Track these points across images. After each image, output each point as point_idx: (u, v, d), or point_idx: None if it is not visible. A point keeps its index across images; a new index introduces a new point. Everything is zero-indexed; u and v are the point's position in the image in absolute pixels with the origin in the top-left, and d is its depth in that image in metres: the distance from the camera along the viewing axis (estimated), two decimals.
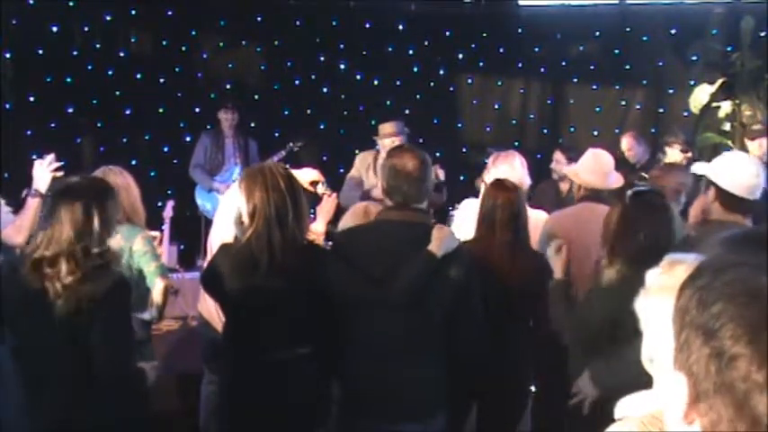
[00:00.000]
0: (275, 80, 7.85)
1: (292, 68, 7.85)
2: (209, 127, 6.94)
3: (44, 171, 3.51)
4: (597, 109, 8.08)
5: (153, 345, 3.73)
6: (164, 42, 7.58)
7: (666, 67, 7.85)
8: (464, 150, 8.10)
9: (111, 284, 2.51)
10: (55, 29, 7.09)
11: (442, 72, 8.12)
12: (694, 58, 7.50)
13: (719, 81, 6.89)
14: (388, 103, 7.85)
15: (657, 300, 1.25)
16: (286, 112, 7.83)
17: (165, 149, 7.53)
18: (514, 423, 3.49)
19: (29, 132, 6.87)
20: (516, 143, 7.65)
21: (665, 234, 2.78)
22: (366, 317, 2.75)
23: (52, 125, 7.00)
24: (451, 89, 8.25)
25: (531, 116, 8.23)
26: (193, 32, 7.69)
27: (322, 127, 7.85)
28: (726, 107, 6.87)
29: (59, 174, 3.51)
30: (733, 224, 2.61)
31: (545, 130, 8.23)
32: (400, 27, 7.99)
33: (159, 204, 5.69)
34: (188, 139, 7.18)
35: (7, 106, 6.68)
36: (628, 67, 7.89)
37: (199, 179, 6.72)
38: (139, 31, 7.51)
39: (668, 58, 7.81)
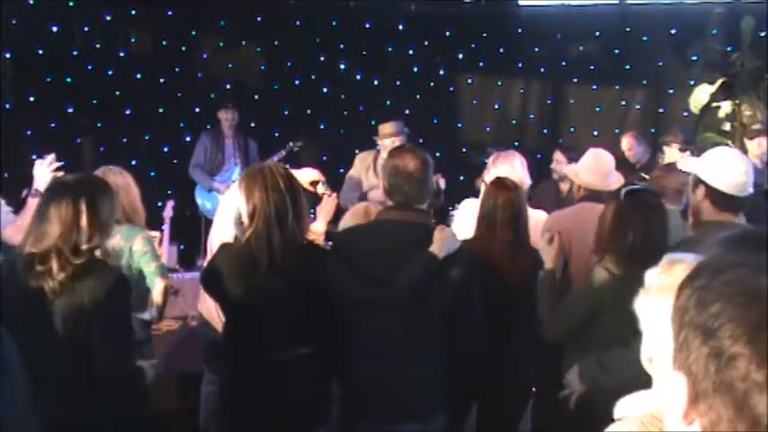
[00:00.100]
0: (275, 80, 7.86)
1: (292, 68, 7.85)
2: (209, 127, 6.94)
3: (45, 171, 3.51)
4: (597, 109, 8.08)
5: (153, 345, 3.73)
6: (164, 42, 7.58)
7: (666, 67, 7.86)
8: (464, 150, 8.10)
9: (112, 283, 2.51)
10: (55, 29, 7.09)
11: (441, 72, 8.12)
12: (694, 58, 7.50)
13: (719, 81, 6.89)
14: (388, 103, 7.85)
15: (656, 299, 1.25)
16: (286, 112, 7.83)
17: (165, 149, 7.53)
18: (514, 423, 3.49)
19: (29, 132, 6.87)
20: (516, 143, 7.65)
21: (657, 233, 2.79)
22: (366, 317, 2.75)
23: (52, 125, 7.00)
24: (451, 89, 8.25)
25: (531, 116, 8.23)
26: (193, 32, 7.70)
27: (322, 127, 7.85)
28: (726, 107, 6.86)
29: (60, 174, 3.51)
30: (726, 224, 2.59)
31: (545, 130, 8.23)
32: (400, 27, 7.99)
33: (159, 204, 5.69)
34: (188, 139, 7.18)
35: (7, 106, 6.68)
36: (628, 67, 7.89)
37: (199, 179, 6.72)
38: (139, 31, 7.51)
39: (668, 58, 7.81)
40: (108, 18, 7.27)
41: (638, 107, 8.02)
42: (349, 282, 2.75)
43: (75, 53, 7.17)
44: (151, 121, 7.39)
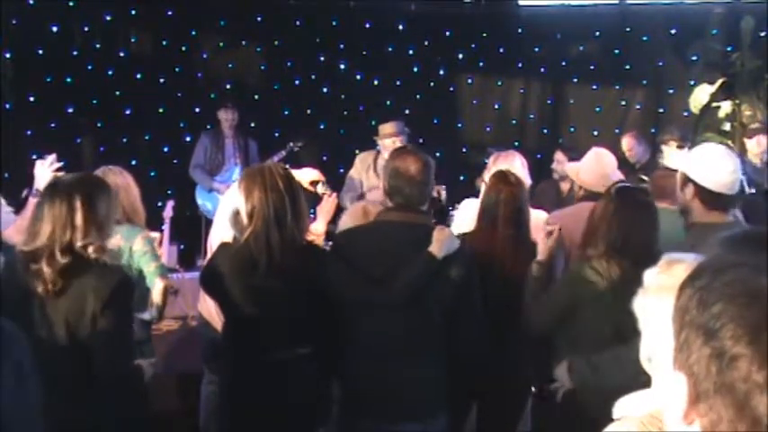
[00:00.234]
0: (275, 80, 7.85)
1: (292, 68, 7.85)
2: (209, 127, 6.94)
3: (45, 171, 3.51)
4: (597, 109, 8.08)
5: (153, 345, 3.73)
6: (164, 42, 7.58)
7: (666, 67, 7.86)
8: (464, 150, 8.11)
9: (116, 284, 2.50)
10: (55, 29, 7.09)
11: (442, 72, 8.12)
12: (694, 58, 7.50)
13: (719, 81, 6.89)
14: (388, 103, 7.85)
15: (656, 299, 1.25)
16: (286, 112, 7.83)
17: (165, 149, 7.53)
18: (514, 423, 3.49)
19: (29, 132, 6.87)
20: (516, 143, 7.65)
21: (643, 231, 2.80)
22: (366, 317, 2.75)
23: (52, 125, 7.00)
24: (451, 89, 8.25)
25: (531, 116, 8.23)
26: (193, 32, 7.69)
27: (322, 127, 7.85)
28: (726, 107, 6.86)
29: (60, 174, 3.51)
30: (717, 226, 2.58)
31: (545, 130, 8.23)
32: (400, 27, 7.99)
33: (159, 204, 5.69)
34: (188, 139, 7.18)
35: (7, 106, 6.68)
36: (628, 67, 7.89)
37: (199, 179, 6.72)
38: (139, 31, 7.51)
39: (668, 58, 7.81)
40: (108, 18, 7.26)
41: (638, 107, 8.02)
42: (349, 282, 2.75)
43: (75, 53, 7.17)
44: (151, 121, 7.39)
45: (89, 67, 7.17)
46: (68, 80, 7.07)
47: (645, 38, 7.79)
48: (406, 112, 7.29)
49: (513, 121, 8.25)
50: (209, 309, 3.61)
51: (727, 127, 6.82)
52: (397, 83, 8.00)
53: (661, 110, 7.96)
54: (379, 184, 3.88)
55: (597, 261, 2.80)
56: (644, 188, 3.19)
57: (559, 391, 2.86)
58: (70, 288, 2.47)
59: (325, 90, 7.86)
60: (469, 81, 8.28)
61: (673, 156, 5.54)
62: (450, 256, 2.70)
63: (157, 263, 3.59)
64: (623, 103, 8.05)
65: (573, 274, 2.93)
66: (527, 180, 4.04)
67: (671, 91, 7.88)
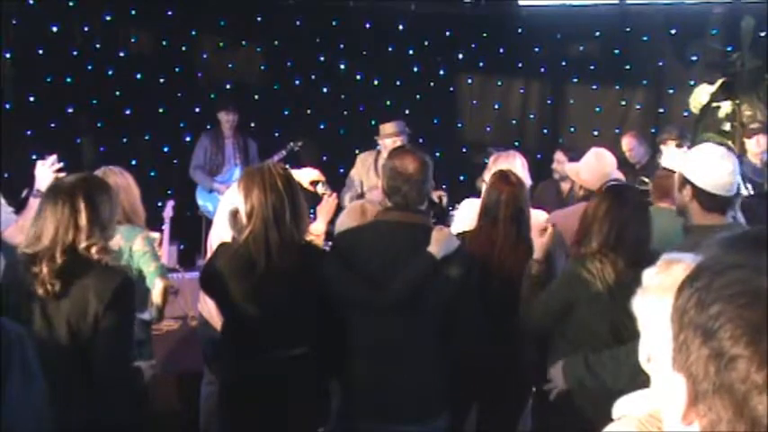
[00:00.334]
0: (275, 80, 7.85)
1: (292, 68, 7.85)
2: (209, 127, 6.94)
3: (46, 171, 3.51)
4: (597, 109, 8.08)
5: (153, 345, 3.74)
6: (164, 42, 7.58)
7: (666, 67, 7.86)
8: (464, 150, 8.11)
9: (118, 286, 2.51)
10: (55, 29, 7.09)
11: (442, 72, 8.12)
12: (694, 58, 7.50)
13: (719, 81, 6.89)
14: (388, 103, 7.85)
15: (655, 299, 1.25)
16: (286, 112, 7.83)
17: (165, 149, 7.53)
18: (514, 423, 3.49)
19: (29, 132, 6.87)
20: (516, 143, 7.65)
21: (635, 229, 2.80)
22: (366, 318, 2.75)
23: (52, 125, 7.00)
24: (451, 89, 8.25)
25: (531, 116, 8.23)
26: (193, 32, 7.69)
27: (322, 127, 7.85)
28: (726, 107, 6.87)
29: (61, 174, 3.51)
30: (716, 229, 2.57)
31: (545, 130, 8.23)
32: (400, 27, 7.99)
33: (159, 204, 5.69)
34: (188, 139, 7.18)
35: (7, 106, 6.68)
36: (628, 67, 7.89)
37: (199, 180, 6.73)
38: (139, 31, 7.51)
39: (668, 58, 7.81)
40: (108, 18, 7.26)
41: (638, 107, 8.02)
42: (348, 282, 2.75)
43: (75, 53, 7.17)
44: (151, 121, 7.39)
45: (89, 67, 7.16)
46: (68, 80, 7.06)
47: (645, 38, 7.79)
48: (406, 112, 7.29)
49: (513, 121, 8.25)
50: (210, 309, 3.61)
51: (727, 127, 6.83)
52: (397, 83, 8.00)
53: (661, 110, 7.96)
54: (380, 183, 3.88)
55: (591, 261, 2.80)
56: (635, 186, 3.20)
57: (553, 392, 2.86)
58: (72, 289, 2.47)
59: (325, 90, 7.86)
60: (469, 81, 8.28)
61: (672, 154, 5.54)
62: (449, 256, 2.70)
63: (157, 263, 3.59)
64: (623, 103, 8.05)
65: (568, 273, 2.93)
66: (527, 180, 4.05)
67: (671, 91, 7.89)
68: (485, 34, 8.03)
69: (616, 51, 7.92)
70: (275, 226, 2.75)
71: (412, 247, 2.70)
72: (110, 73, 7.25)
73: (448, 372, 2.82)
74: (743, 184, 3.17)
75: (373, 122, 5.95)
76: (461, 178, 7.23)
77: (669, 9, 7.81)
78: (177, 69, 7.51)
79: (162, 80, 7.45)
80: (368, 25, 8.01)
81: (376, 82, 8.00)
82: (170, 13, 7.49)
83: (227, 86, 7.65)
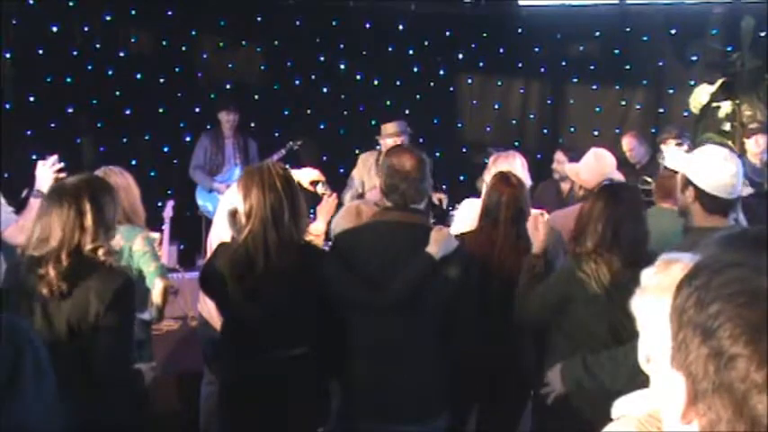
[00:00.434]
0: (275, 80, 7.85)
1: (292, 68, 7.84)
2: (209, 127, 6.94)
3: (47, 172, 3.51)
4: (597, 109, 8.08)
5: (153, 345, 3.73)
6: (164, 42, 7.58)
7: (666, 67, 7.86)
8: (464, 150, 8.11)
9: (119, 287, 2.51)
10: (55, 29, 7.09)
11: (442, 72, 8.12)
12: (694, 58, 7.50)
13: (719, 81, 6.89)
14: (388, 103, 7.85)
15: (654, 299, 1.25)
16: (286, 112, 7.83)
17: (165, 149, 7.53)
18: (514, 423, 3.49)
19: (29, 132, 6.86)
20: (516, 143, 7.66)
21: (632, 226, 2.80)
22: (365, 318, 2.75)
23: (52, 125, 7.00)
24: (451, 89, 8.25)
25: (531, 116, 8.23)
26: (193, 32, 7.69)
27: (322, 127, 7.85)
28: (726, 107, 6.87)
29: (62, 174, 3.51)
30: (717, 231, 2.56)
31: (545, 130, 8.23)
32: (400, 27, 7.99)
33: (159, 204, 5.69)
34: (188, 139, 7.18)
35: (7, 106, 6.67)
36: (628, 67, 7.89)
37: (199, 180, 6.73)
38: (139, 31, 7.51)
39: (668, 58, 7.81)
40: (108, 18, 7.26)
41: (638, 107, 8.02)
42: (347, 282, 2.75)
43: (75, 53, 7.16)
44: (151, 121, 7.39)
45: (89, 67, 7.16)
46: (68, 80, 7.06)
47: (645, 38, 7.79)
48: (406, 112, 7.29)
49: (513, 121, 8.25)
50: (210, 309, 3.61)
51: (727, 127, 6.83)
52: (397, 83, 7.99)
53: (661, 110, 7.96)
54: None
55: (586, 262, 2.80)
56: (633, 186, 3.19)
57: (550, 396, 2.86)
58: (74, 290, 2.47)
59: (325, 90, 7.85)
60: (469, 81, 8.28)
61: (672, 153, 5.53)
62: (448, 256, 2.70)
63: (157, 263, 3.59)
64: (623, 103, 8.05)
65: (566, 270, 2.93)
66: (527, 180, 4.05)
67: (671, 91, 7.88)
68: (485, 34, 8.03)
69: (616, 51, 7.92)
70: (274, 226, 2.75)
71: (411, 247, 2.70)
72: (110, 73, 7.25)
73: (448, 372, 2.82)
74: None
75: (373, 122, 5.95)
76: (461, 178, 7.23)
77: (669, 9, 7.81)
78: (177, 69, 7.51)
79: (162, 80, 7.45)
80: (368, 25, 8.01)
81: (376, 82, 8.00)
82: (170, 13, 7.49)
83: (227, 86, 7.65)
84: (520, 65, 8.10)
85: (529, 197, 3.59)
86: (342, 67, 7.97)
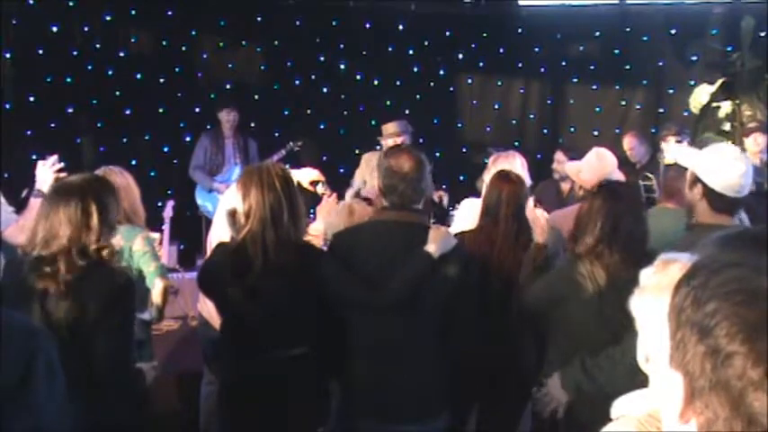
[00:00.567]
0: (275, 80, 7.86)
1: (292, 68, 7.85)
2: (209, 127, 6.94)
3: (47, 171, 3.51)
4: (597, 109, 8.09)
5: (153, 345, 3.74)
6: (164, 42, 7.58)
7: (666, 67, 7.86)
8: (464, 150, 8.11)
9: (119, 286, 2.51)
10: (55, 29, 7.10)
11: (442, 72, 8.13)
12: (694, 58, 7.51)
13: (719, 81, 6.90)
14: (388, 103, 7.85)
15: (652, 299, 1.25)
16: (286, 112, 7.83)
17: (165, 149, 7.53)
18: (514, 423, 3.49)
19: (29, 132, 6.87)
20: (516, 143, 7.66)
21: (630, 223, 2.80)
22: (365, 317, 2.75)
23: (52, 125, 7.01)
24: (451, 89, 8.25)
25: (531, 116, 8.23)
26: (193, 32, 7.69)
27: (322, 127, 7.85)
28: (726, 107, 6.87)
29: (62, 174, 3.51)
30: (722, 229, 2.57)
31: (545, 130, 8.23)
32: (400, 27, 7.99)
33: (159, 204, 5.69)
34: (188, 139, 7.19)
35: (7, 106, 6.68)
36: (628, 67, 7.89)
37: (199, 180, 6.73)
38: (139, 31, 7.52)
39: (668, 58, 7.82)
40: (108, 18, 7.27)
41: (638, 107, 8.02)
42: (346, 282, 2.75)
43: (75, 53, 7.17)
44: (151, 121, 7.39)
45: (89, 67, 7.17)
46: (68, 80, 7.07)
47: (645, 38, 7.80)
48: (406, 112, 7.29)
49: (513, 121, 8.26)
50: (209, 309, 3.61)
51: (727, 127, 6.83)
52: (397, 83, 8.00)
53: (661, 110, 7.96)
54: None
55: (582, 263, 2.80)
56: (633, 185, 3.19)
57: (550, 405, 2.85)
58: (75, 289, 2.47)
59: (325, 90, 7.86)
60: (469, 81, 8.28)
61: (672, 150, 5.53)
62: (447, 255, 2.70)
63: (157, 263, 3.59)
64: (623, 103, 8.06)
65: (565, 269, 2.93)
66: (527, 180, 4.05)
67: (671, 91, 7.89)
68: (485, 34, 8.03)
69: (616, 51, 7.92)
70: (272, 226, 2.75)
71: (409, 246, 2.70)
72: (110, 73, 7.26)
73: (448, 372, 2.81)
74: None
75: (373, 122, 5.95)
76: (461, 178, 7.23)
77: (669, 9, 7.82)
78: (177, 69, 7.52)
79: (162, 80, 7.46)
80: (368, 25, 8.01)
81: (376, 82, 8.00)
82: (170, 13, 7.49)
83: (227, 86, 7.66)
84: (520, 65, 8.10)
85: (529, 195, 3.59)
86: (342, 67, 7.97)
